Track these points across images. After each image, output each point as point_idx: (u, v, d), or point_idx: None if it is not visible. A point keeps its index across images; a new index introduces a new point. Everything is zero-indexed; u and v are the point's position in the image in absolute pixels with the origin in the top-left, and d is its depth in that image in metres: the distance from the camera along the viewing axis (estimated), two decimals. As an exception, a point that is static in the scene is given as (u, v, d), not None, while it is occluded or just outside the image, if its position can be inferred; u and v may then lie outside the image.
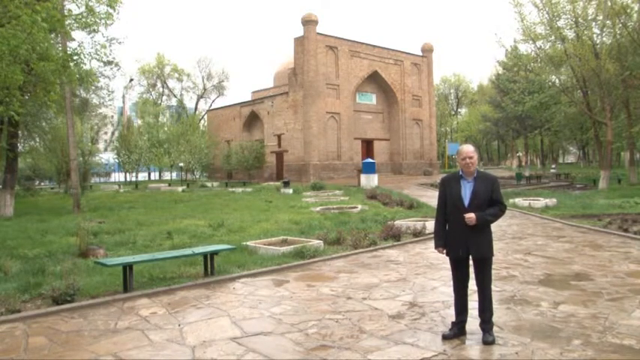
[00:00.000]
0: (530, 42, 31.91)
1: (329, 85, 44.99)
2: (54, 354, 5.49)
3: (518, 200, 21.06)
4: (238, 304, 7.31)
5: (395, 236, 12.69)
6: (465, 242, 5.47)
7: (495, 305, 6.88)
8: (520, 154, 76.93)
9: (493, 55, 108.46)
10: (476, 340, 5.50)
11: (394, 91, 50.90)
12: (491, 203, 5.49)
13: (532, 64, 36.59)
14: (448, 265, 6.05)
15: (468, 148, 5.53)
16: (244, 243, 11.53)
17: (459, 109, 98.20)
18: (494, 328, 5.75)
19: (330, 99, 45.07)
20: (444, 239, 5.70)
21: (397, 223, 14.36)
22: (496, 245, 11.81)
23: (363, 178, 34.20)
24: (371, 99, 50.70)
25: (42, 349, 5.63)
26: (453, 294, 5.87)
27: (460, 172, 5.61)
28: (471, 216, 5.32)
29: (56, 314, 6.91)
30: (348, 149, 46.63)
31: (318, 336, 5.83)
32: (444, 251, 5.71)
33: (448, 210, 5.62)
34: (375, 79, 49.80)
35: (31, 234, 13.69)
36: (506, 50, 45.41)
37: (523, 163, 72.20)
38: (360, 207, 19.94)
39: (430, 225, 13.80)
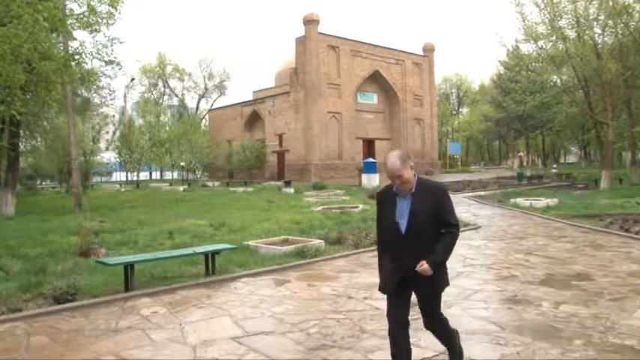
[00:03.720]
0: (532, 42, 31.86)
1: (330, 85, 45.00)
2: (55, 353, 5.50)
3: (520, 200, 21.05)
4: (239, 304, 7.31)
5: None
6: (406, 280, 4.13)
7: (496, 305, 6.90)
8: (521, 154, 76.97)
9: (494, 55, 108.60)
10: (476, 340, 5.50)
11: (395, 91, 50.91)
12: (438, 225, 4.04)
13: (533, 63, 36.57)
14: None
15: (393, 165, 3.99)
16: (245, 242, 11.52)
17: (460, 109, 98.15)
18: (495, 328, 5.75)
19: (331, 98, 45.08)
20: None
21: (398, 222, 14.32)
22: (497, 245, 11.89)
23: (365, 177, 34.22)
24: (372, 99, 50.71)
25: (43, 349, 5.64)
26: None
27: (394, 187, 4.12)
28: (424, 268, 3.90)
29: (57, 313, 6.91)
30: (350, 149, 46.64)
31: (319, 335, 5.83)
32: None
33: (384, 238, 4.28)
34: (376, 79, 49.80)
35: (32, 233, 13.69)
36: (508, 50, 45.42)
37: (524, 163, 72.23)
38: (361, 206, 19.94)
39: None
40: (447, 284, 4.24)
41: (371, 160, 36.94)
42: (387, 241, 4.20)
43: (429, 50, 55.20)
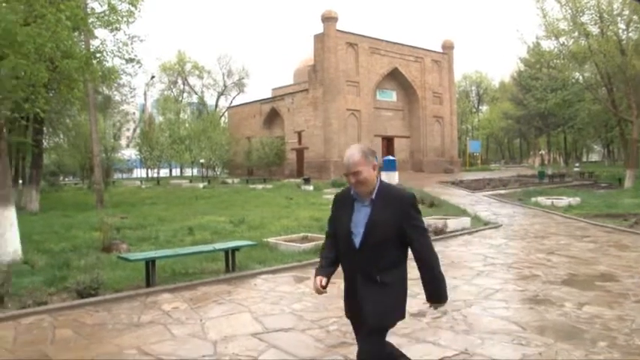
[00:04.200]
0: (553, 38, 31.50)
1: (349, 82, 44.91)
2: (80, 346, 5.59)
3: (541, 199, 20.82)
4: (259, 300, 7.34)
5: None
6: (356, 299, 3.41)
7: (517, 305, 6.84)
8: (543, 152, 76.15)
9: (514, 52, 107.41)
10: (497, 340, 5.47)
11: (414, 88, 50.63)
12: (400, 245, 3.34)
13: (555, 60, 36.16)
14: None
15: (351, 158, 3.31)
16: (265, 239, 11.56)
17: (480, 107, 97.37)
18: (516, 328, 5.71)
19: (350, 96, 44.99)
20: (329, 268, 3.58)
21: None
22: (518, 244, 11.77)
23: (384, 175, 34.01)
24: (391, 96, 50.51)
25: (68, 341, 5.73)
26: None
27: (352, 190, 3.42)
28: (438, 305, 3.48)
29: (81, 307, 7.02)
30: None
31: (338, 333, 5.83)
32: (321, 281, 3.50)
33: (339, 247, 3.50)
34: (395, 76, 49.57)
35: (56, 229, 13.89)
36: (528, 47, 44.79)
37: (546, 162, 71.46)
38: (380, 204, 19.85)
39: (451, 223, 13.73)
40: (402, 317, 3.43)
41: (390, 157, 36.79)
42: (341, 252, 3.47)
43: (448, 47, 54.79)
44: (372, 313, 3.29)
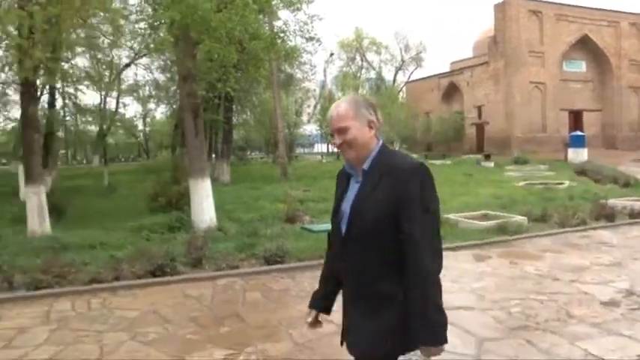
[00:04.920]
0: None
1: (532, 53, 42.08)
2: (267, 309, 6.01)
3: None
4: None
5: (608, 216, 11.56)
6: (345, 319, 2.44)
7: None
8: None
9: None
10: None
11: (607, 56, 45.88)
12: (396, 239, 2.20)
13: None
14: None
15: (336, 109, 2.35)
16: (445, 216, 11.38)
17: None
18: None
19: (533, 68, 42.19)
20: (322, 291, 2.76)
21: (610, 202, 13.06)
22: None
23: (571, 152, 31.68)
24: (580, 66, 46.34)
25: (257, 304, 6.20)
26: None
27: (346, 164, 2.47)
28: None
29: (267, 273, 7.55)
30: (554, 121, 43.39)
31: (521, 316, 5.57)
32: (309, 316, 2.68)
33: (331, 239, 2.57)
34: (584, 44, 45.32)
35: (244, 199, 14.99)
36: None
37: None
38: (567, 183, 18.52)
39: (652, 205, 12.36)
40: (403, 352, 2.27)
41: (578, 133, 34.07)
42: (332, 243, 2.53)
43: (653, 8, 48.78)
44: (354, 344, 2.35)
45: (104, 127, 26.46)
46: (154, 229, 10.03)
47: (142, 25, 17.09)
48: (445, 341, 2.18)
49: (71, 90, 22.82)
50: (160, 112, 47.59)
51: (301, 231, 9.49)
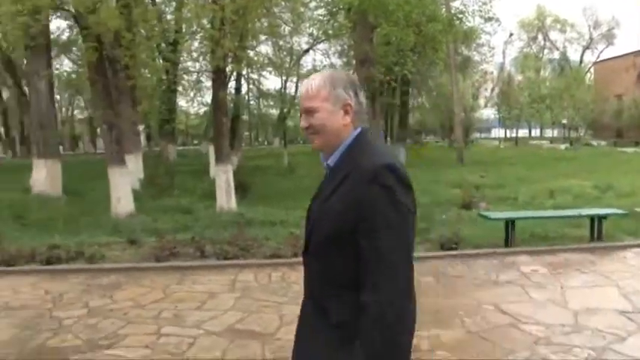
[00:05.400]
0: None
1: None
2: (440, 293, 5.96)
3: None
4: (629, 276, 6.61)
5: None
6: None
7: None
8: None
9: None
10: None
11: None
12: (354, 255, 1.68)
13: None
14: None
15: (307, 84, 1.86)
16: (637, 209, 10.30)
17: None
18: None
19: None
20: None
21: None
22: None
23: None
24: None
25: (429, 288, 6.15)
26: None
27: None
28: None
29: (441, 259, 7.46)
30: None
31: None
32: None
33: None
34: None
35: (420, 183, 14.88)
36: None
37: None
38: None
39: None
40: None
41: None
42: None
43: None
44: None
45: (284, 110, 27.88)
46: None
47: (321, 11, 17.72)
48: None
49: (255, 76, 24.41)
50: (337, 96, 49.03)
51: (477, 217, 9.18)
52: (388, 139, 28.24)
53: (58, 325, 5.14)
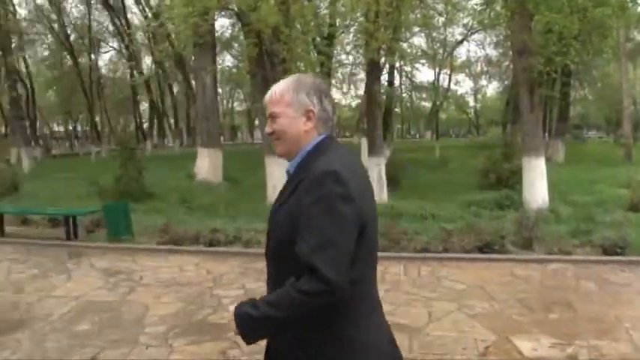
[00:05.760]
0: None
1: None
2: (602, 301, 5.52)
3: None
4: None
5: None
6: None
7: None
8: None
9: None
10: None
11: None
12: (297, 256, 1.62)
13: None
14: None
15: (270, 91, 1.84)
16: None
17: None
18: None
19: None
20: None
21: None
22: None
23: None
24: None
25: (591, 295, 5.75)
26: None
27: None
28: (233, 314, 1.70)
29: (604, 264, 6.90)
30: None
31: None
32: None
33: None
34: None
35: (579, 181, 13.93)
36: None
37: None
38: None
39: None
40: None
41: None
42: None
43: None
44: None
45: (437, 103, 27.49)
46: (482, 205, 10.13)
47: (477, 0, 17.11)
48: (242, 336, 1.67)
49: (408, 68, 24.30)
50: (492, 88, 47.37)
51: (647, 221, 8.39)
52: (546, 134, 26.64)
53: (217, 303, 5.57)
